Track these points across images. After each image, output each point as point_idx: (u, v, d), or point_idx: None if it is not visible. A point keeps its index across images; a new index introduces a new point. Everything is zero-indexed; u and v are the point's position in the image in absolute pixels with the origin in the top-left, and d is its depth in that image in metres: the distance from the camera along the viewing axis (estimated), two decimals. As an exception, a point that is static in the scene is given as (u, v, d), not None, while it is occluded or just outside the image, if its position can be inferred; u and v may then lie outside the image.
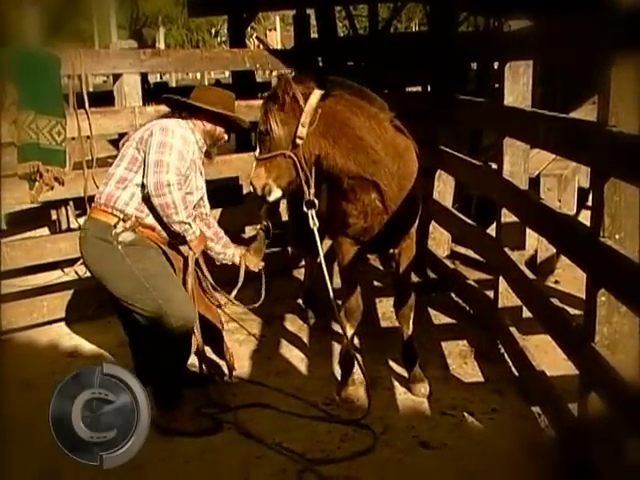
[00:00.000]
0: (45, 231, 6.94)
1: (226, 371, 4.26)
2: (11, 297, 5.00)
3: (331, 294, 3.96)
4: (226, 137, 4.06)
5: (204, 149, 3.99)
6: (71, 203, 6.49)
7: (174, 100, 4.03)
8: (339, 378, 4.28)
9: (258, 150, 3.86)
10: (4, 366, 3.71)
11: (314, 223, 3.90)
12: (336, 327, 4.13)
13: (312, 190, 3.83)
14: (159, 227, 3.79)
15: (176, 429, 3.78)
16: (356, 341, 4.47)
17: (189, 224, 3.68)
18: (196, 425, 3.83)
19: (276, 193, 3.83)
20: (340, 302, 4.30)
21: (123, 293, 3.72)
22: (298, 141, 3.71)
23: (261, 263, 4.25)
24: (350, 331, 4.20)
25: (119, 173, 3.77)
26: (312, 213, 3.88)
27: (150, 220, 3.76)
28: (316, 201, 3.87)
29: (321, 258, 3.99)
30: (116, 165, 3.82)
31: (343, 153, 3.74)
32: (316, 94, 3.74)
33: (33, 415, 3.24)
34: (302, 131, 3.70)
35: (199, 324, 3.88)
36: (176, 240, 3.86)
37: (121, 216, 3.69)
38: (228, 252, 4.18)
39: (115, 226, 3.68)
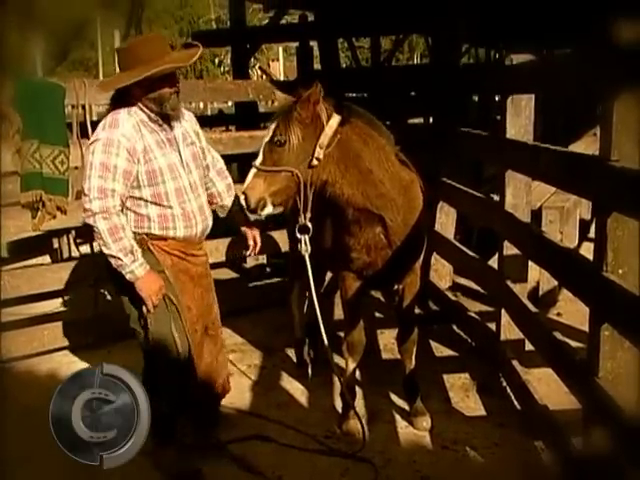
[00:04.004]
0: (46, 259, 6.93)
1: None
2: (11, 326, 4.99)
3: (325, 341, 3.80)
4: (168, 87, 3.48)
5: (158, 119, 3.56)
6: (73, 232, 6.51)
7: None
8: (340, 411, 4.25)
9: (260, 159, 3.58)
10: (4, 395, 3.71)
11: (306, 249, 3.71)
12: (338, 360, 4.09)
13: (308, 215, 3.65)
14: (170, 232, 3.59)
15: (160, 469, 3.67)
16: (357, 373, 4.43)
17: (120, 259, 3.40)
18: (179, 469, 3.67)
19: (268, 209, 3.60)
20: (343, 335, 4.29)
21: (132, 314, 3.66)
22: (315, 162, 3.53)
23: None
24: (352, 365, 4.17)
25: None
26: (305, 238, 3.69)
27: (155, 230, 3.57)
28: (310, 225, 3.68)
29: (312, 291, 3.80)
30: None
31: (352, 183, 3.62)
32: (336, 118, 3.58)
33: (33, 444, 3.22)
34: (320, 152, 3.52)
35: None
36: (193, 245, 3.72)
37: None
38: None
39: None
